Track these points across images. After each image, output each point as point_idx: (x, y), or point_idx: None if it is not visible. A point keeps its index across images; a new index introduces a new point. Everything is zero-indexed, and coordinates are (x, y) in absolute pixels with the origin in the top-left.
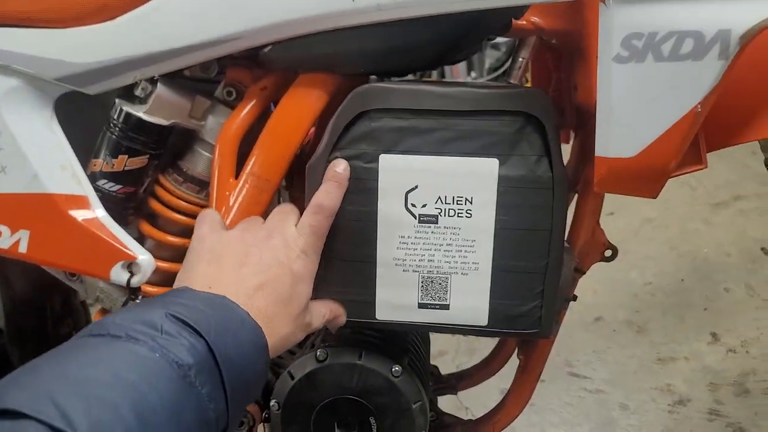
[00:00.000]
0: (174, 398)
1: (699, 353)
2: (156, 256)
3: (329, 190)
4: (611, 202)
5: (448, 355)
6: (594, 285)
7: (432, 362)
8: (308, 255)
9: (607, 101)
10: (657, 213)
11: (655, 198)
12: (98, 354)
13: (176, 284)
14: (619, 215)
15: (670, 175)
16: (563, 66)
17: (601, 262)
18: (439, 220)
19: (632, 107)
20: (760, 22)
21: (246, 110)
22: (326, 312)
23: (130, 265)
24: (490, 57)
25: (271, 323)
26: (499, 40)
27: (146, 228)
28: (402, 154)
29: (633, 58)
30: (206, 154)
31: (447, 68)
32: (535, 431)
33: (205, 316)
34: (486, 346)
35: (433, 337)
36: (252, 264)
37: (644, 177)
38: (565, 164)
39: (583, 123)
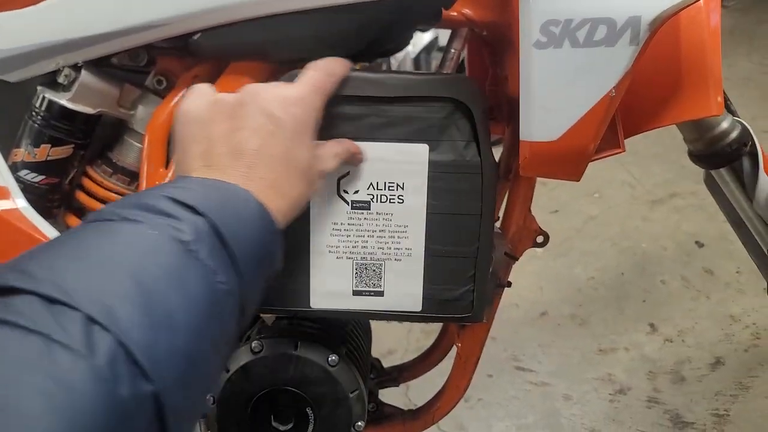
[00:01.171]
0: (175, 268)
1: (638, 343)
2: None
3: (337, 60)
4: (556, 200)
5: (397, 353)
6: (540, 282)
7: (381, 362)
8: (306, 103)
9: (528, 86)
10: (599, 211)
11: (578, 181)
12: (91, 235)
13: (173, 171)
14: (563, 214)
15: (590, 158)
16: (498, 59)
17: (548, 260)
18: (372, 206)
19: (552, 92)
20: (668, 9)
21: (176, 99)
22: (339, 151)
23: None
24: (436, 59)
25: (277, 189)
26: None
27: (74, 222)
28: None
29: (551, 44)
30: (136, 144)
31: (393, 66)
32: (482, 425)
33: (203, 196)
34: None
35: (382, 336)
36: (246, 126)
37: (566, 160)
38: (500, 155)
39: (515, 113)
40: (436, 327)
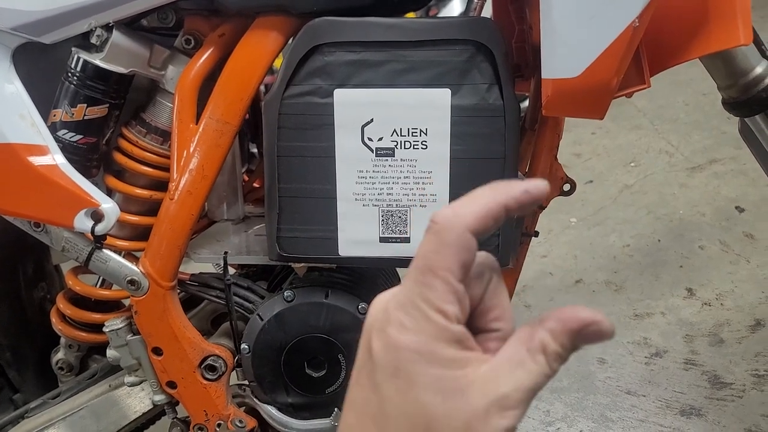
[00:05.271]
0: None
1: (675, 308)
2: (124, 210)
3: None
4: (590, 171)
5: None
6: (574, 251)
7: None
8: None
9: (549, 23)
10: (635, 180)
11: (601, 119)
12: None
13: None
14: (598, 184)
15: (614, 95)
16: (523, 14)
17: (582, 229)
18: (396, 153)
19: (573, 26)
20: None
21: (204, 57)
22: None
23: (94, 213)
24: None
25: None
26: None
27: (113, 182)
28: (356, 87)
29: None
30: (167, 104)
31: None
32: None
33: None
34: None
35: None
36: None
37: (589, 96)
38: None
39: (540, 62)
40: None
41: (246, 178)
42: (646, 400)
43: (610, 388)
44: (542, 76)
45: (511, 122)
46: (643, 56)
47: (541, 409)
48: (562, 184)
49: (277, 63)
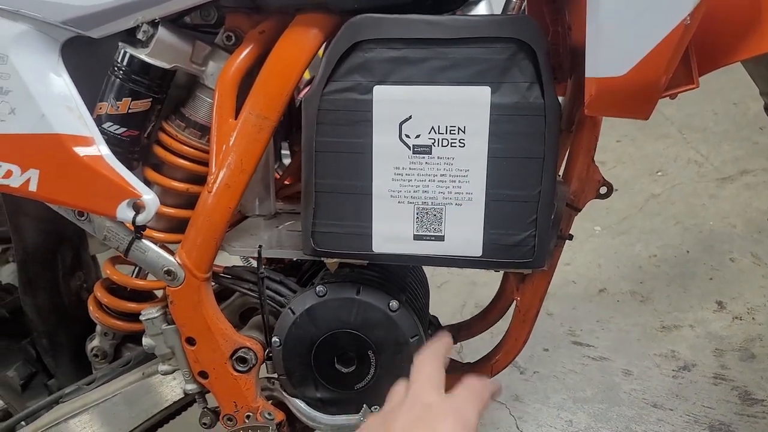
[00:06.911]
0: None
1: (704, 321)
2: (162, 203)
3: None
4: (615, 179)
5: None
6: (598, 259)
7: (438, 319)
8: None
9: (595, 20)
10: (662, 189)
11: (646, 119)
12: None
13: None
14: (623, 192)
15: (661, 95)
16: (560, 17)
17: (607, 238)
18: (433, 150)
19: (621, 23)
20: None
21: (244, 53)
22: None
23: (135, 204)
24: None
25: None
26: None
27: (152, 175)
28: (395, 84)
29: None
30: (207, 99)
31: None
32: (538, 397)
33: None
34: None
35: (436, 310)
36: None
37: (635, 96)
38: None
39: (578, 63)
40: (491, 299)
41: (277, 176)
42: (673, 414)
43: (636, 400)
44: (586, 75)
45: (551, 122)
46: (692, 55)
47: (564, 419)
48: (599, 187)
49: (306, 74)
